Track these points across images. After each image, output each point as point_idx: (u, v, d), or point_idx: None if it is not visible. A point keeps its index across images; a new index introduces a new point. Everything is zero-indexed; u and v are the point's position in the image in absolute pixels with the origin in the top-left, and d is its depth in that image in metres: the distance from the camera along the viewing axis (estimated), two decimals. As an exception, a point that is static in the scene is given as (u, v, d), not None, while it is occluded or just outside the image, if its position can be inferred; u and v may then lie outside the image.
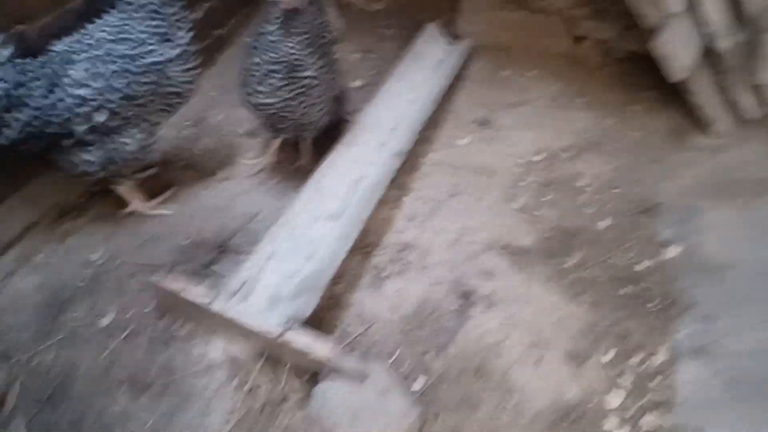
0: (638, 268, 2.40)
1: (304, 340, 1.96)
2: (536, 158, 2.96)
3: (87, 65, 2.10)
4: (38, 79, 2.07)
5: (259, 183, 2.82)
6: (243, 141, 3.06)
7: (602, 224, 2.60)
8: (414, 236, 2.55)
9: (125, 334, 2.09)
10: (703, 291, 2.23)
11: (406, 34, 3.92)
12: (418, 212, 2.66)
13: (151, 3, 2.21)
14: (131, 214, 2.48)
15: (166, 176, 2.75)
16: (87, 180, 2.38)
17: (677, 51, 2.73)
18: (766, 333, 1.96)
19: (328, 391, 1.93)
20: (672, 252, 2.42)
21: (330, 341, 2.00)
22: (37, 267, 2.27)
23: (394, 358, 2.12)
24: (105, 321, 2.12)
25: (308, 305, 2.07)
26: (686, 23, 2.76)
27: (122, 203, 2.49)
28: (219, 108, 3.23)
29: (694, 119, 2.97)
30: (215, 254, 2.42)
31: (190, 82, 2.32)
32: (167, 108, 2.31)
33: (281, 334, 1.96)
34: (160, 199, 2.59)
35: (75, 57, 2.12)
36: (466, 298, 2.28)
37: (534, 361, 2.07)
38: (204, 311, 2.04)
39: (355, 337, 2.18)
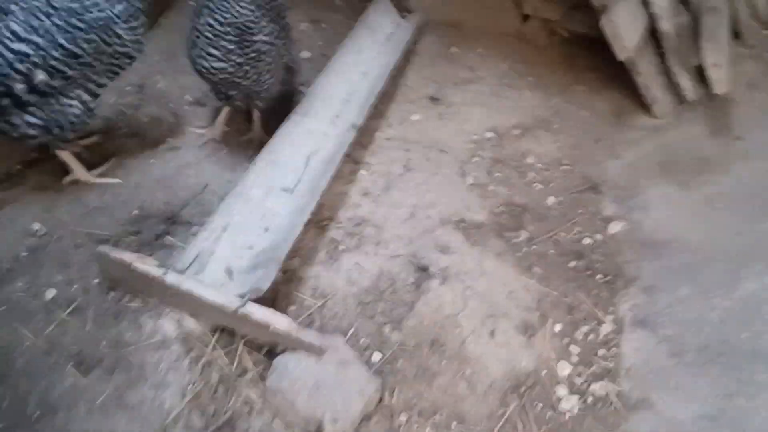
0: (585, 242, 2.48)
1: (262, 313, 1.93)
2: (487, 135, 3.00)
3: (25, 17, 1.95)
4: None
5: (208, 153, 2.73)
6: (190, 109, 2.94)
7: (550, 200, 2.67)
8: (370, 211, 2.54)
9: (71, 308, 2.00)
10: (645, 264, 2.33)
11: (356, 5, 3.86)
12: (374, 187, 2.65)
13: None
14: (73, 183, 2.35)
15: (109, 144, 2.62)
16: (27, 145, 2.24)
17: (625, 30, 2.81)
18: (704, 304, 2.07)
19: (287, 364, 1.91)
20: (616, 227, 2.52)
21: (288, 314, 1.98)
22: (-28, 238, 2.13)
23: (351, 331, 2.12)
24: (49, 294, 2.02)
25: (265, 278, 2.03)
26: (633, 3, 2.84)
27: (63, 171, 2.35)
28: (163, 73, 3.09)
29: (637, 100, 3.09)
30: (165, 226, 2.34)
31: (138, 42, 2.21)
32: (114, 69, 2.19)
33: (239, 308, 1.92)
34: (103, 168, 2.47)
35: (11, 7, 1.96)
36: (422, 271, 2.30)
37: (488, 332, 2.11)
38: (156, 284, 1.97)
39: (313, 310, 2.16)
